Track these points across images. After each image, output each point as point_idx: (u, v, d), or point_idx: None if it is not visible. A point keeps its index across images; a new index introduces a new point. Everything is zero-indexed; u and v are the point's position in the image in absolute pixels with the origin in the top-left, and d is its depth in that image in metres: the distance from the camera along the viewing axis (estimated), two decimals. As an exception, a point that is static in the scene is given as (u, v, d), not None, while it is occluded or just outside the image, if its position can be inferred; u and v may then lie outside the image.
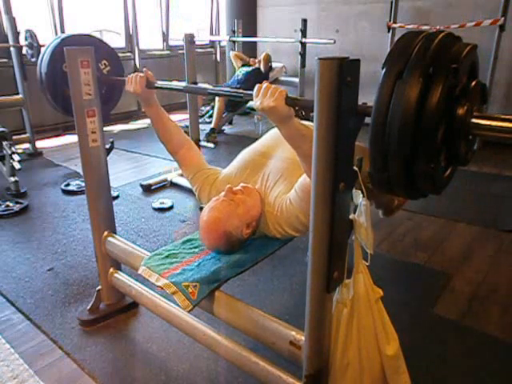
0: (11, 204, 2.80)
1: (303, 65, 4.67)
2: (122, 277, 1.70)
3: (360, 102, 0.83)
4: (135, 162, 3.90)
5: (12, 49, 3.76)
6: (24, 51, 3.76)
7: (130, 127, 5.21)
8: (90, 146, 1.56)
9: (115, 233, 1.73)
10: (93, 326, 1.69)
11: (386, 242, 2.38)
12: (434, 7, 4.57)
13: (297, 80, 4.75)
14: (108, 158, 1.65)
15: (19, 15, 3.85)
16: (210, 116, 5.02)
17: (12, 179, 2.96)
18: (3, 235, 2.44)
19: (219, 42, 6.47)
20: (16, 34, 3.70)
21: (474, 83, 0.78)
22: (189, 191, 3.00)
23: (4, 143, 2.94)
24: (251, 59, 4.93)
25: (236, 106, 4.76)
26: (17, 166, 2.91)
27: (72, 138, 4.42)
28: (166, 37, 6.02)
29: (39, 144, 4.16)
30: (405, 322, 1.67)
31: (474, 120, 0.74)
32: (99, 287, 1.76)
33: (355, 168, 0.86)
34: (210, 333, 1.30)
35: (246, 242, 1.41)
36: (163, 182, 3.25)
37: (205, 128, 4.48)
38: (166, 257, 1.39)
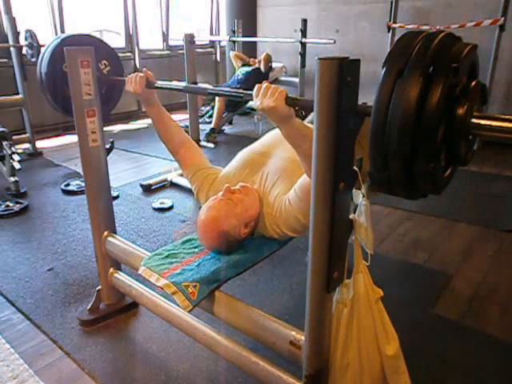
0: (11, 204, 2.80)
1: (303, 65, 4.68)
2: (121, 277, 1.70)
3: (360, 102, 0.83)
4: (135, 162, 3.90)
5: (12, 49, 3.76)
6: (24, 51, 3.76)
7: (130, 127, 5.21)
8: (90, 145, 1.56)
9: (115, 233, 1.73)
10: (93, 325, 1.69)
11: (386, 241, 2.37)
12: (433, 7, 4.57)
13: (297, 80, 4.75)
14: (108, 158, 1.65)
15: (19, 15, 3.85)
16: (210, 116, 5.02)
17: (12, 179, 2.96)
18: (3, 235, 2.44)
19: (219, 42, 6.47)
20: (16, 34, 3.70)
21: (474, 83, 0.78)
22: (189, 191, 3.00)
23: (4, 143, 2.94)
24: (251, 59, 4.93)
25: (236, 105, 4.76)
26: (17, 165, 2.91)
27: (72, 138, 4.43)
28: (166, 37, 6.02)
29: (39, 144, 4.16)
30: (405, 322, 1.66)
31: (474, 120, 0.74)
32: (99, 287, 1.76)
33: (355, 168, 0.86)
34: (210, 333, 1.30)
35: (246, 242, 1.41)
36: (163, 181, 3.25)
37: (205, 128, 4.48)
38: (166, 257, 1.39)
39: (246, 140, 2.19)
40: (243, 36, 5.29)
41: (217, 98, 4.64)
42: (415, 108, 0.71)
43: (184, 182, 3.07)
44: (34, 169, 3.62)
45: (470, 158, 0.83)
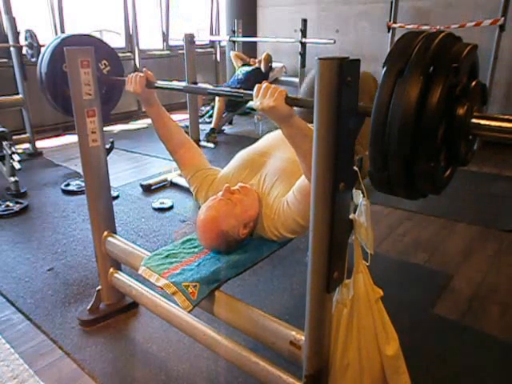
0: (11, 204, 2.80)
1: (303, 65, 4.67)
2: (121, 277, 1.70)
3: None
4: (135, 162, 3.90)
5: (12, 49, 3.76)
6: (24, 51, 3.76)
7: (130, 127, 5.21)
8: (90, 145, 1.56)
9: (115, 233, 1.73)
10: (93, 326, 1.69)
11: (386, 242, 2.37)
12: (434, 7, 4.58)
13: (297, 80, 4.74)
14: (108, 157, 1.65)
15: (19, 15, 3.85)
16: (210, 116, 5.02)
17: (12, 179, 2.96)
18: (3, 235, 2.44)
19: (219, 42, 6.47)
20: (16, 34, 3.70)
21: (474, 83, 0.78)
22: (189, 191, 2.97)
23: (4, 143, 2.94)
24: (251, 59, 4.93)
25: (236, 106, 4.76)
26: (17, 166, 2.91)
27: (72, 138, 4.43)
28: (166, 37, 6.02)
29: (39, 144, 4.16)
30: (405, 322, 1.66)
31: (474, 120, 0.74)
32: (99, 287, 1.76)
33: (355, 168, 0.86)
34: (210, 333, 1.30)
35: (245, 242, 1.41)
36: (163, 182, 3.25)
37: (205, 128, 4.48)
38: (166, 257, 1.39)
39: (246, 140, 2.19)
40: (243, 36, 5.29)
41: (217, 98, 4.63)
42: (415, 108, 0.71)
43: (184, 181, 3.06)
44: (33, 169, 3.62)
45: (470, 158, 0.83)
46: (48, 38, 2.93)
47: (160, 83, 1.44)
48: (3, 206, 2.76)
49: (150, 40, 5.89)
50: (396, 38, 0.83)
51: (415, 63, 0.73)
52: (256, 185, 1.44)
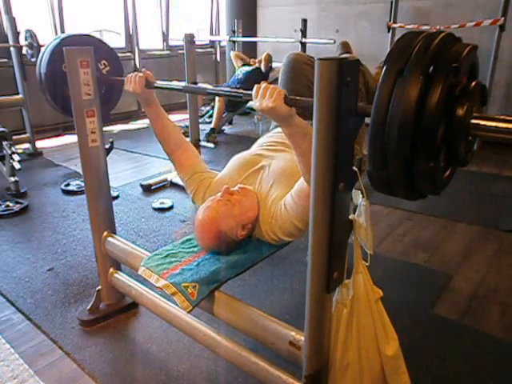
0: (11, 204, 2.80)
1: (303, 65, 4.66)
2: (121, 277, 1.70)
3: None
4: (135, 162, 3.90)
5: (12, 49, 3.76)
6: (24, 51, 3.76)
7: (130, 127, 5.21)
8: (90, 145, 1.56)
9: (115, 233, 1.73)
10: (93, 326, 1.69)
11: (386, 242, 2.37)
12: (434, 7, 4.57)
13: (297, 80, 4.74)
14: (108, 157, 1.65)
15: (19, 15, 3.85)
16: (210, 116, 5.02)
17: (12, 179, 2.96)
18: (3, 235, 2.44)
19: (219, 42, 6.47)
20: (16, 34, 3.71)
21: (473, 84, 0.78)
22: (189, 191, 3.00)
23: (4, 143, 2.94)
24: (251, 59, 4.93)
25: (236, 105, 4.75)
26: (17, 166, 2.91)
27: (72, 138, 4.42)
28: (166, 37, 6.02)
29: (39, 144, 4.16)
30: (405, 322, 1.67)
31: (473, 120, 0.73)
32: (99, 287, 1.76)
33: (355, 168, 0.86)
34: (210, 333, 1.30)
35: (245, 243, 1.40)
36: (163, 182, 3.25)
37: (205, 128, 4.48)
38: (166, 256, 1.39)
39: (246, 140, 2.19)
40: (243, 36, 5.28)
41: (217, 98, 4.63)
42: (415, 108, 0.71)
43: (184, 182, 3.06)
44: (33, 169, 3.62)
45: (469, 158, 0.83)
46: (48, 38, 2.93)
47: (160, 83, 1.44)
48: (3, 206, 2.76)
49: (149, 40, 5.89)
50: (396, 38, 0.83)
51: (415, 63, 0.73)
52: (254, 186, 1.44)
